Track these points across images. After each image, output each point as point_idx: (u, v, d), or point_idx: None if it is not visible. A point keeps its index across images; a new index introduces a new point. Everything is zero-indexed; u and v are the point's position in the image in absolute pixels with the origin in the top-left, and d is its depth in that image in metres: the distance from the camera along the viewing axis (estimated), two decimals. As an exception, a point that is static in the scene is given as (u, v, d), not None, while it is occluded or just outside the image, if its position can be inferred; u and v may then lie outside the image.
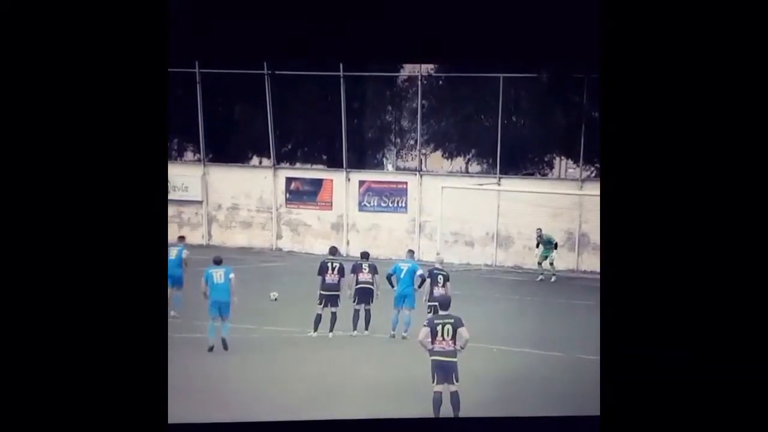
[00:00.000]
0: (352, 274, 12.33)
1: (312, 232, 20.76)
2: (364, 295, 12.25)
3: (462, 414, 8.29)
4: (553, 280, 17.58)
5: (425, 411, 8.34)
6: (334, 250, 13.11)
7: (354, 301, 12.27)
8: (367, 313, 12.24)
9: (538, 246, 17.92)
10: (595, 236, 18.90)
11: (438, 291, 11.57)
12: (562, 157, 20.91)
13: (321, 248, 18.26)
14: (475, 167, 21.50)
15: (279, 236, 21.29)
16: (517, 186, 19.31)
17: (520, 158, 20.45)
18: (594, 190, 19.09)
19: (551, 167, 21.36)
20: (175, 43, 4.31)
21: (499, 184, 19.51)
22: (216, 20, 5.39)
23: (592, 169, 19.89)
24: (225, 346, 10.80)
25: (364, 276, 12.34)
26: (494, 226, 19.44)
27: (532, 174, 20.72)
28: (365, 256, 12.99)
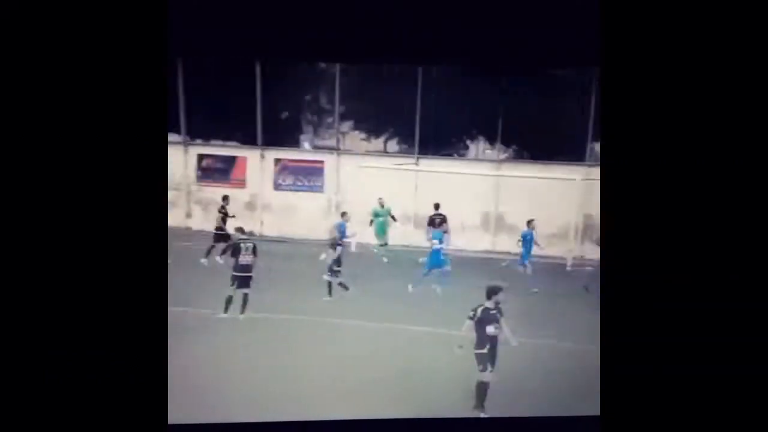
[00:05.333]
0: (232, 258, 11.98)
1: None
2: (244, 279, 11.84)
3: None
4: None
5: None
6: (242, 230, 12.62)
7: (232, 285, 11.84)
8: (245, 297, 11.81)
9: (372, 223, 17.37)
10: (512, 217, 19.16)
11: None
12: (481, 138, 21.02)
13: (231, 228, 17.65)
14: (393, 147, 21.34)
15: (189, 215, 20.52)
16: (435, 166, 19.24)
17: (438, 138, 20.40)
18: (511, 171, 19.43)
19: (468, 148, 21.48)
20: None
21: (417, 165, 19.39)
22: (208, 19, 5.27)
23: (510, 150, 20.06)
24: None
25: (245, 258, 11.90)
26: (413, 207, 19.34)
27: (450, 155, 20.74)
28: (241, 230, 12.46)
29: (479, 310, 8.47)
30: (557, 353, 10.61)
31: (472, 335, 8.47)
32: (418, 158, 19.54)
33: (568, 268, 17.38)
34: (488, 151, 20.78)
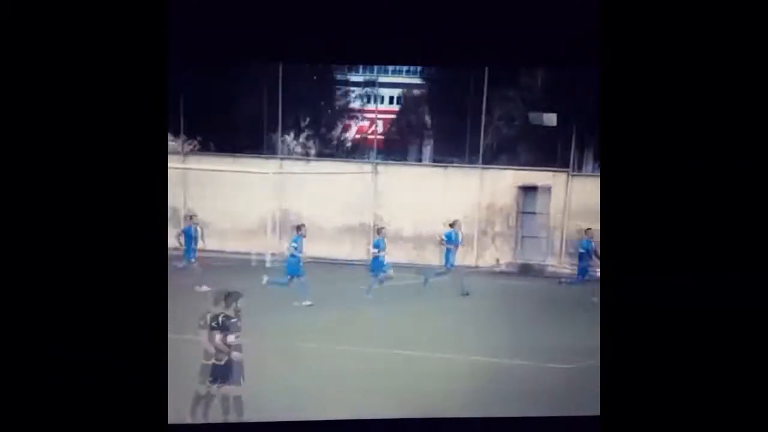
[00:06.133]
0: None
1: None
2: None
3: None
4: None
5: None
6: None
7: None
8: None
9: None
10: (207, 215, 17.94)
11: None
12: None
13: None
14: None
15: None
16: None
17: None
18: (197, 163, 18.38)
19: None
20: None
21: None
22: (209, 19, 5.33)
23: (195, 143, 19.35)
24: None
25: None
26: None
27: None
28: None
29: (220, 318, 7.95)
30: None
31: (215, 344, 7.91)
32: None
33: (268, 265, 16.74)
34: (172, 143, 20.20)
